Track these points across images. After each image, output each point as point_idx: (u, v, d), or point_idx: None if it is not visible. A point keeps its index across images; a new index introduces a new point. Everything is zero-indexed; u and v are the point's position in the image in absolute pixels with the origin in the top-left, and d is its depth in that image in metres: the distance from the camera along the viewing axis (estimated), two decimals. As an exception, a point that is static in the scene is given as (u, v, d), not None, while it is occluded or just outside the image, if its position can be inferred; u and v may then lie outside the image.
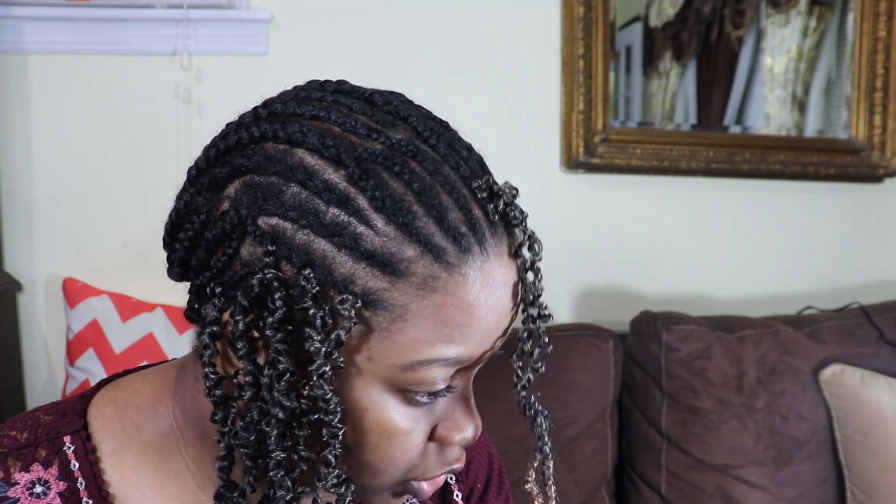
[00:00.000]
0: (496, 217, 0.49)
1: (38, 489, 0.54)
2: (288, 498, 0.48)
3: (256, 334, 0.47)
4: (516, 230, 0.51)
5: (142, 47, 1.56)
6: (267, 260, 0.46)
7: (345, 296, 0.46)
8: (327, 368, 0.46)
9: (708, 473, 1.48)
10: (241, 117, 0.52)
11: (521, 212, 0.50)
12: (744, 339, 1.53)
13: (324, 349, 0.46)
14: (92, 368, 1.46)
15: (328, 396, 0.46)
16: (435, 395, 0.50)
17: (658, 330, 1.50)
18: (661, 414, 1.50)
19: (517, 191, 0.51)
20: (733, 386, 1.49)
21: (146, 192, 1.52)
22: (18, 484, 0.54)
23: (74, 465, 0.55)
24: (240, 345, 0.47)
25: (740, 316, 1.62)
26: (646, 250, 1.81)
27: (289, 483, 0.48)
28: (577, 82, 1.70)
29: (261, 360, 0.48)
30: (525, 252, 0.51)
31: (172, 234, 0.52)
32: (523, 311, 0.52)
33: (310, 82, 0.53)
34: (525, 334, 0.54)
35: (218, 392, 0.49)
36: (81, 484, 0.55)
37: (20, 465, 0.54)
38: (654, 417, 1.51)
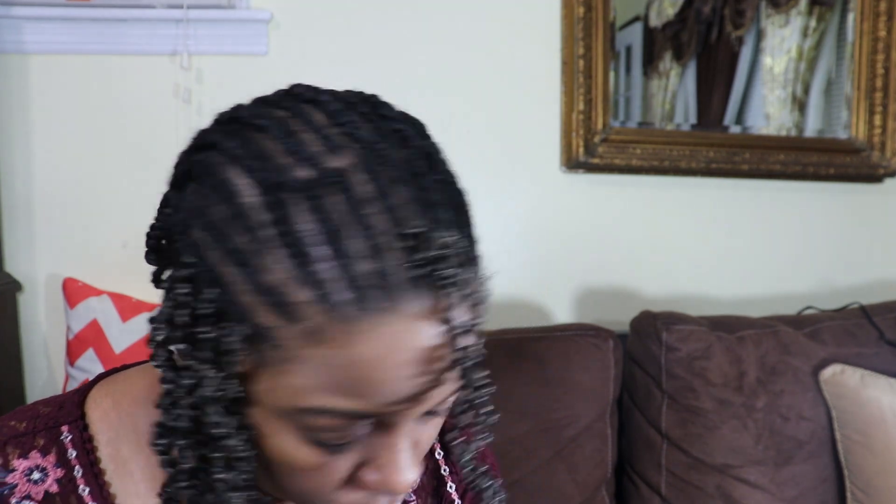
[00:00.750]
0: (419, 273, 0.44)
1: (36, 475, 0.55)
2: None
3: (171, 346, 0.48)
4: (447, 291, 0.44)
5: (142, 47, 1.56)
6: (184, 272, 0.47)
7: (239, 326, 0.45)
8: (213, 393, 0.46)
9: (708, 473, 1.48)
10: (218, 115, 0.51)
11: (457, 271, 0.44)
12: (744, 339, 1.53)
13: (211, 374, 0.46)
14: (92, 368, 1.46)
15: (217, 420, 0.46)
16: (343, 441, 0.47)
17: (658, 330, 1.50)
18: (661, 414, 1.50)
19: (467, 245, 0.46)
20: (733, 386, 1.50)
21: (146, 192, 1.52)
22: (17, 470, 0.55)
23: (71, 454, 0.56)
24: (159, 352, 0.48)
25: (740, 316, 1.62)
26: (646, 250, 1.81)
27: (201, 499, 0.48)
28: (577, 82, 1.70)
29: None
30: (456, 315, 0.45)
31: (154, 220, 0.54)
32: (460, 378, 0.47)
33: (294, 86, 0.51)
34: (465, 406, 0.49)
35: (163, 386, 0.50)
36: (78, 472, 0.56)
37: (19, 453, 0.55)
38: (654, 417, 1.51)
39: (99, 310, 1.49)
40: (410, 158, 0.47)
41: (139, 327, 1.48)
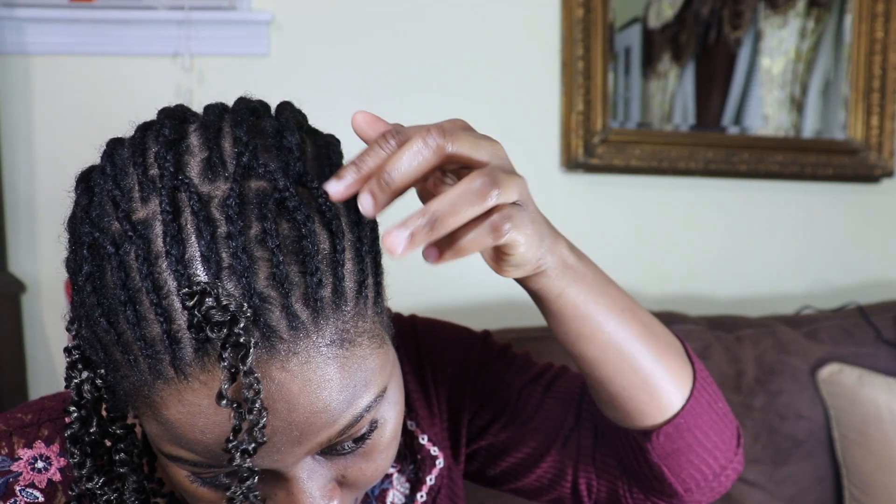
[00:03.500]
0: (201, 336, 0.41)
1: (40, 464, 0.57)
2: None
3: None
4: (224, 355, 0.40)
5: (143, 49, 1.57)
6: (70, 315, 0.51)
7: (92, 375, 0.50)
8: (98, 432, 0.51)
9: (706, 472, 1.49)
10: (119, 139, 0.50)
11: (230, 343, 0.40)
12: (742, 339, 1.54)
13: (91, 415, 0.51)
14: (94, 368, 1.46)
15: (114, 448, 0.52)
16: (225, 484, 0.46)
17: (657, 329, 1.51)
18: (659, 413, 1.51)
19: (249, 313, 0.41)
20: (731, 385, 1.50)
21: (148, 192, 1.53)
22: (21, 459, 0.57)
23: None
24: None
25: (738, 315, 1.63)
26: (644, 250, 1.82)
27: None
28: (576, 83, 1.71)
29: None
30: (232, 393, 0.40)
31: None
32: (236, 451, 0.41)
33: (206, 107, 0.50)
34: (237, 494, 0.43)
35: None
36: None
37: (23, 442, 0.57)
38: (652, 416, 1.52)
39: (101, 310, 1.49)
40: (228, 197, 0.43)
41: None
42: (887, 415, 1.47)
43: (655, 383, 0.58)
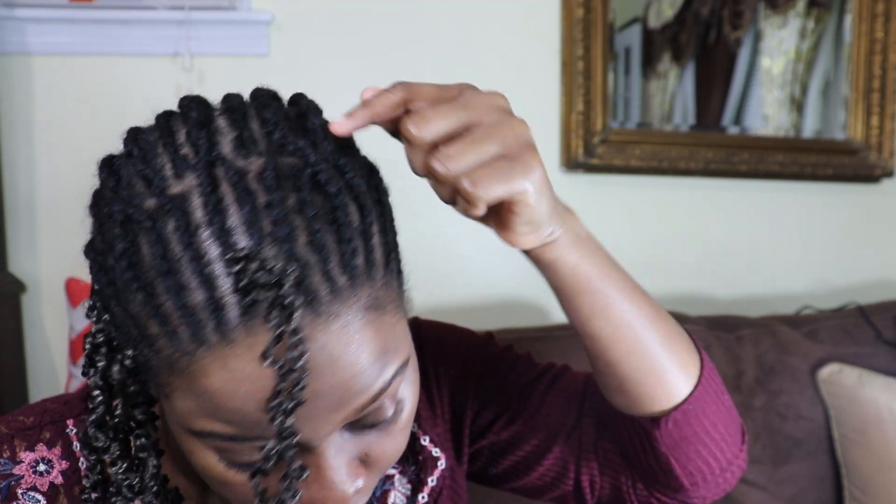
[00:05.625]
0: (247, 301, 0.42)
1: (42, 467, 0.57)
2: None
3: None
4: (272, 319, 0.41)
5: (144, 49, 1.57)
6: (89, 302, 0.51)
7: (122, 356, 0.50)
8: (125, 415, 0.52)
9: (706, 472, 1.49)
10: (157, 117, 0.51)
11: (279, 304, 0.41)
12: (742, 339, 1.54)
13: (115, 400, 0.52)
14: (94, 368, 1.47)
15: (133, 430, 0.52)
16: (253, 461, 0.46)
17: (657, 329, 1.51)
18: (659, 413, 1.51)
19: (294, 276, 0.42)
20: (731, 385, 1.50)
21: (148, 192, 1.53)
22: (23, 462, 0.57)
23: (76, 446, 0.58)
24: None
25: (738, 315, 1.63)
26: (644, 250, 1.82)
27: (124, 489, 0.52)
28: (576, 83, 1.71)
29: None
30: (276, 353, 0.42)
31: None
32: (271, 422, 0.42)
33: (225, 96, 0.50)
34: (272, 452, 0.43)
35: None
36: (83, 464, 0.57)
37: (25, 445, 0.57)
38: (652, 416, 1.52)
39: (101, 309, 1.49)
40: (264, 171, 0.44)
41: (141, 327, 1.49)
42: (887, 415, 1.47)
43: (665, 367, 0.58)
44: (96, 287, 0.48)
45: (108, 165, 0.48)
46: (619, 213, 1.80)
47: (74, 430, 0.59)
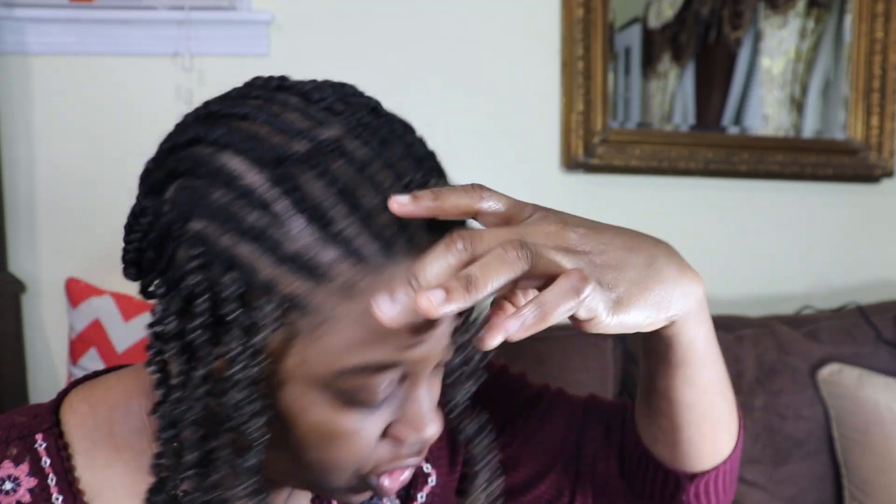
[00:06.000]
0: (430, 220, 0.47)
1: (8, 486, 0.54)
2: (201, 501, 0.48)
3: (189, 336, 0.47)
4: (450, 229, 0.47)
5: (143, 49, 1.57)
6: (194, 263, 0.46)
7: (267, 299, 0.45)
8: (245, 374, 0.46)
9: (706, 472, 1.49)
10: (185, 118, 0.51)
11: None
12: (742, 339, 1.54)
13: (243, 354, 0.45)
14: (94, 367, 1.46)
15: (243, 403, 0.46)
16: (377, 399, 0.48)
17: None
18: (659, 413, 1.51)
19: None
20: (732, 385, 1.50)
21: (148, 192, 1.53)
22: None
23: (45, 462, 0.55)
24: (171, 345, 0.47)
25: (738, 316, 1.63)
26: (645, 250, 1.82)
27: (206, 485, 0.48)
28: (576, 83, 1.71)
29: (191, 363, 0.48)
30: None
31: (127, 236, 0.53)
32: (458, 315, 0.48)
33: (254, 79, 0.53)
34: (459, 343, 0.49)
35: (160, 390, 0.49)
36: (52, 480, 0.55)
37: None
38: (652, 416, 1.52)
39: (101, 309, 1.50)
40: (386, 124, 0.49)
41: (141, 327, 1.49)
42: (887, 415, 1.47)
43: (722, 431, 0.60)
44: (214, 244, 0.46)
45: (213, 125, 0.48)
46: (619, 213, 1.79)
47: (44, 445, 0.55)
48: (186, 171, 0.48)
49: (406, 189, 0.46)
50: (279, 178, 0.45)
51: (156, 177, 0.50)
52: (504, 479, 0.67)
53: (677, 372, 0.56)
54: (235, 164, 0.46)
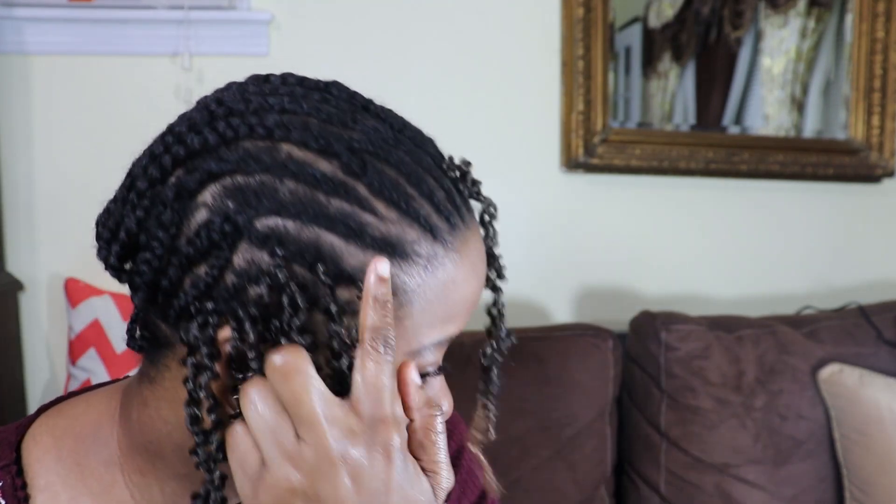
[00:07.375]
0: (466, 191, 0.52)
1: None
2: None
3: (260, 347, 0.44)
4: (485, 204, 0.54)
5: (143, 48, 1.56)
6: (275, 262, 0.43)
7: (357, 286, 0.44)
8: (341, 365, 0.45)
9: (707, 472, 1.49)
10: (189, 120, 0.48)
11: (479, 182, 0.53)
12: (742, 339, 1.54)
13: (347, 343, 0.44)
14: (93, 368, 1.46)
15: (342, 393, 0.45)
16: (427, 376, 0.50)
17: (657, 330, 1.51)
18: (660, 413, 1.51)
19: (469, 162, 0.53)
20: (732, 385, 1.50)
21: (147, 192, 1.53)
22: None
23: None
24: (252, 355, 0.44)
25: (739, 316, 1.62)
26: (645, 250, 1.82)
27: None
28: (576, 83, 1.71)
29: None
30: (486, 217, 0.54)
31: (127, 257, 0.48)
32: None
33: (252, 76, 0.52)
34: (491, 303, 0.55)
35: (212, 417, 0.45)
36: None
37: None
38: (653, 417, 1.52)
39: (101, 309, 1.49)
40: (392, 116, 0.51)
41: (140, 327, 1.48)
42: (888, 415, 1.47)
43: None
44: (293, 238, 0.44)
45: (257, 117, 0.46)
46: (619, 213, 1.80)
47: (0, 484, 0.52)
48: (234, 169, 0.45)
49: (443, 170, 0.50)
50: (353, 165, 0.46)
51: (181, 183, 0.45)
52: None
53: None
54: (300, 153, 0.45)
